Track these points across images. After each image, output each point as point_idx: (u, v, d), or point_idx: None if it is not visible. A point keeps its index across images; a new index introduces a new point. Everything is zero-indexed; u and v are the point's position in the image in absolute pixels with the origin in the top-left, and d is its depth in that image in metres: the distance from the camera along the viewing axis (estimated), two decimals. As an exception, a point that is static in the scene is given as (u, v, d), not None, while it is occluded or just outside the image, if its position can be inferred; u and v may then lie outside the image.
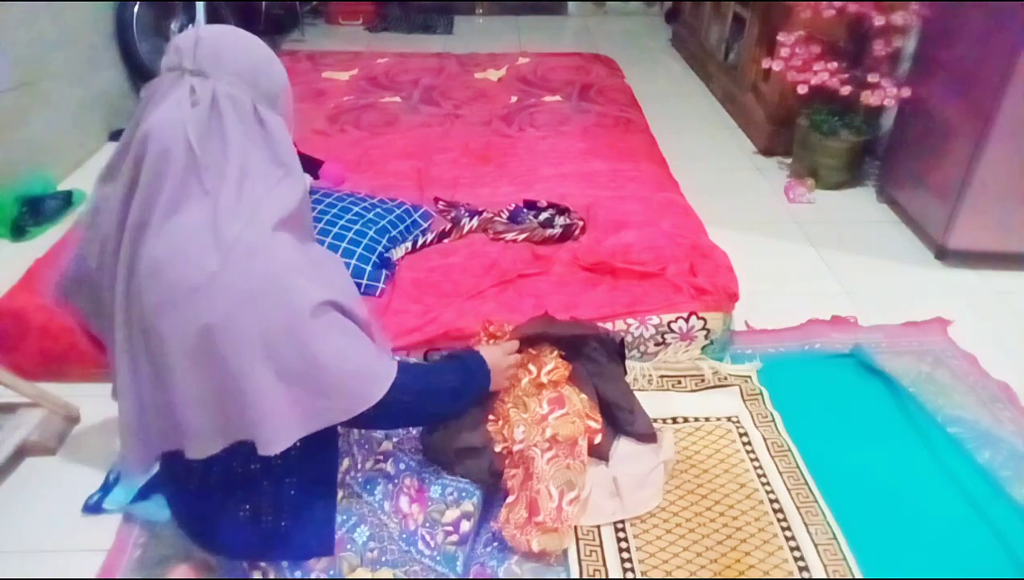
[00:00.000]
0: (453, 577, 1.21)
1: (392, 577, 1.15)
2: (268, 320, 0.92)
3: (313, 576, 1.11)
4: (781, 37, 2.69)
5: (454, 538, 1.22)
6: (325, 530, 1.11)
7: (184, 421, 0.98)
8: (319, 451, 1.12)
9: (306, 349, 0.94)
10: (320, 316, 0.95)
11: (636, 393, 1.76)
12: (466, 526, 1.23)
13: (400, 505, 1.21)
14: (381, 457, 1.25)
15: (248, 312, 0.91)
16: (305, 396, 0.96)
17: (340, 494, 1.15)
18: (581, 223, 2.11)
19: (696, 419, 1.69)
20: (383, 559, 1.15)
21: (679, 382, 1.80)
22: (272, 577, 1.13)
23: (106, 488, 1.45)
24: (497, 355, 1.33)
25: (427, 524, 1.20)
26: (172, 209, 0.92)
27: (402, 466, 1.24)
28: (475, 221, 2.11)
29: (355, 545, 1.13)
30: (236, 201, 0.92)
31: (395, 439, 1.28)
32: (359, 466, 1.20)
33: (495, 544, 1.31)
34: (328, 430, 1.09)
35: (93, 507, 1.42)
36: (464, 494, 1.26)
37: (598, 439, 1.44)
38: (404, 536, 1.18)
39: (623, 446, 1.51)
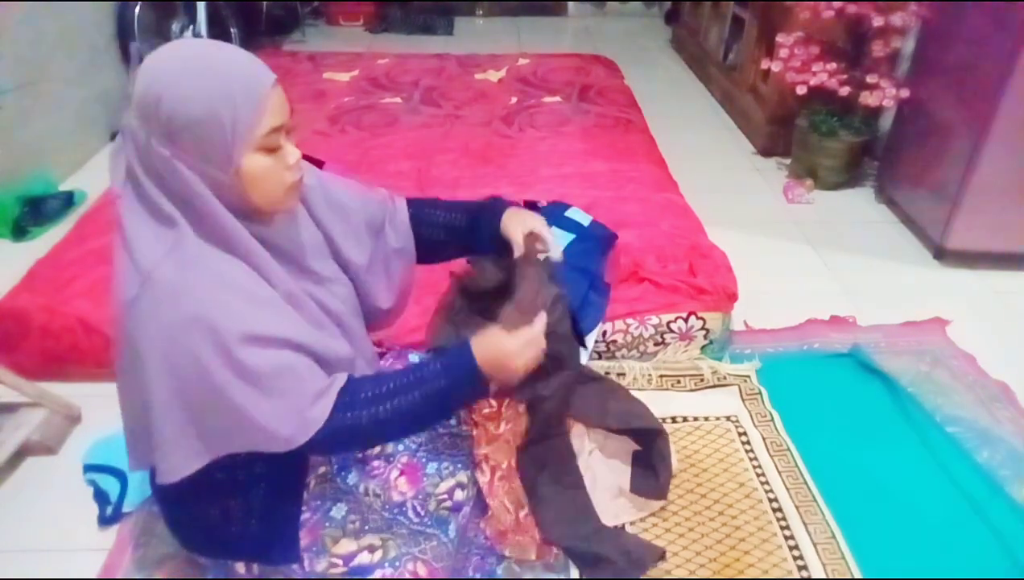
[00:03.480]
0: (444, 539, 1.20)
1: (378, 541, 1.14)
2: (182, 356, 0.90)
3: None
4: (780, 38, 2.70)
5: (447, 504, 1.22)
6: (289, 539, 1.12)
7: (126, 432, 1.04)
8: (286, 467, 1.12)
9: (217, 390, 0.91)
10: (240, 355, 0.90)
11: (635, 393, 1.76)
12: (460, 495, 1.23)
13: (388, 479, 1.21)
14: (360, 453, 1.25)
15: (165, 346, 0.90)
16: (208, 430, 0.95)
17: (312, 483, 1.15)
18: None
19: (695, 419, 1.69)
20: (365, 528, 1.15)
21: (678, 382, 1.80)
22: (256, 573, 1.14)
23: (107, 498, 1.45)
24: (500, 348, 1.03)
25: (419, 497, 1.21)
26: (124, 228, 0.94)
27: (400, 447, 1.24)
28: (475, 221, 2.11)
29: (334, 522, 1.14)
30: (146, 226, 0.92)
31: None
32: (333, 462, 1.20)
33: (495, 539, 1.32)
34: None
35: (111, 519, 1.41)
36: (460, 466, 1.26)
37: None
38: (387, 507, 1.19)
39: (625, 455, 1.51)
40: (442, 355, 1.06)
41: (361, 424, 0.98)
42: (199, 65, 0.90)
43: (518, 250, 1.22)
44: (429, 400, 1.01)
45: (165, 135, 0.88)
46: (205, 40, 0.96)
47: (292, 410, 0.94)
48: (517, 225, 1.23)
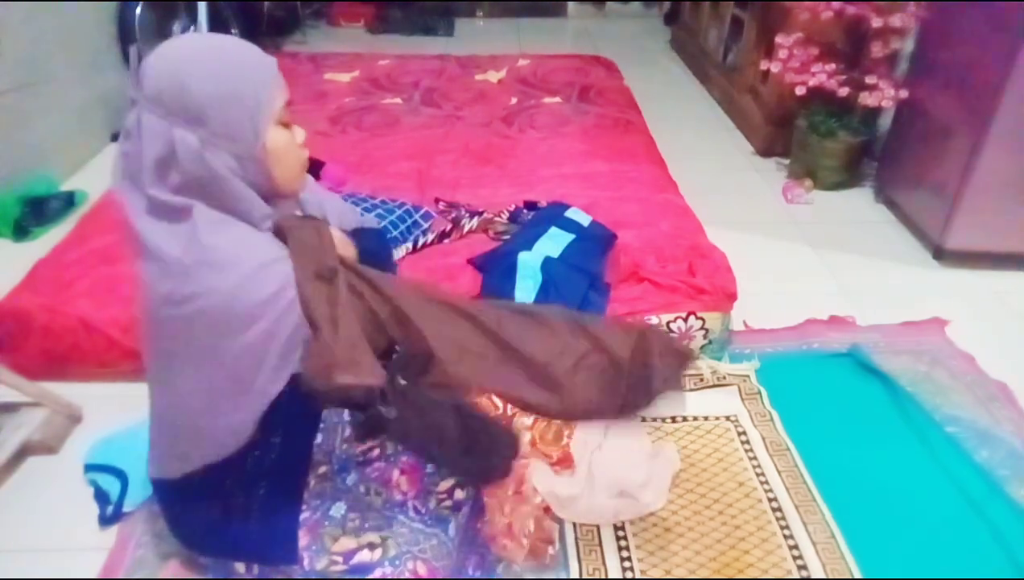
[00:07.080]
0: (444, 538, 1.20)
1: (378, 539, 1.15)
2: (240, 315, 0.94)
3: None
4: (779, 39, 2.69)
5: (448, 503, 1.23)
6: (288, 540, 1.13)
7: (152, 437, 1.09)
8: (291, 461, 1.13)
9: (255, 359, 0.95)
10: (287, 299, 0.95)
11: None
12: (460, 494, 1.24)
13: (390, 478, 1.21)
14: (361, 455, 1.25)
15: (197, 333, 0.94)
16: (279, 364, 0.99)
17: (312, 482, 1.16)
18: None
19: (695, 418, 1.70)
20: (366, 526, 1.15)
21: (678, 382, 1.80)
22: (256, 572, 1.15)
23: (108, 498, 1.45)
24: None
25: (420, 497, 1.21)
26: (140, 234, 0.95)
27: (400, 447, 1.25)
28: (475, 221, 2.12)
29: (333, 520, 1.14)
30: (161, 227, 0.94)
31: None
32: (333, 462, 1.21)
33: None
34: (302, 442, 1.13)
35: (112, 518, 1.41)
36: None
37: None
38: (387, 506, 1.19)
39: (626, 455, 1.51)
40: None
41: None
42: (211, 49, 0.93)
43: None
44: None
45: (193, 120, 0.90)
46: (200, 34, 0.99)
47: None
48: None
